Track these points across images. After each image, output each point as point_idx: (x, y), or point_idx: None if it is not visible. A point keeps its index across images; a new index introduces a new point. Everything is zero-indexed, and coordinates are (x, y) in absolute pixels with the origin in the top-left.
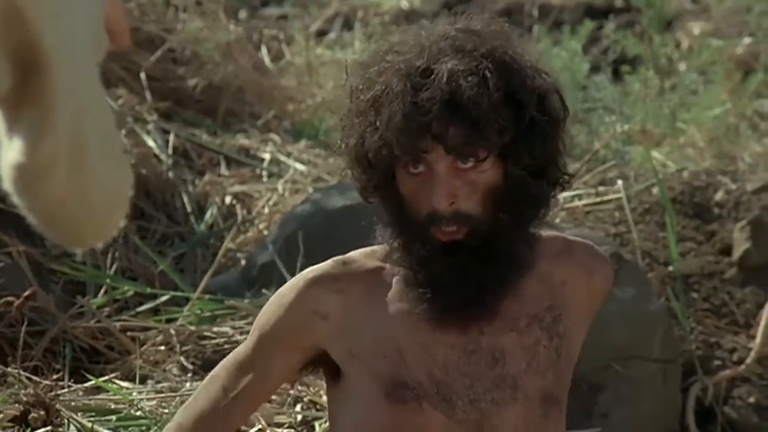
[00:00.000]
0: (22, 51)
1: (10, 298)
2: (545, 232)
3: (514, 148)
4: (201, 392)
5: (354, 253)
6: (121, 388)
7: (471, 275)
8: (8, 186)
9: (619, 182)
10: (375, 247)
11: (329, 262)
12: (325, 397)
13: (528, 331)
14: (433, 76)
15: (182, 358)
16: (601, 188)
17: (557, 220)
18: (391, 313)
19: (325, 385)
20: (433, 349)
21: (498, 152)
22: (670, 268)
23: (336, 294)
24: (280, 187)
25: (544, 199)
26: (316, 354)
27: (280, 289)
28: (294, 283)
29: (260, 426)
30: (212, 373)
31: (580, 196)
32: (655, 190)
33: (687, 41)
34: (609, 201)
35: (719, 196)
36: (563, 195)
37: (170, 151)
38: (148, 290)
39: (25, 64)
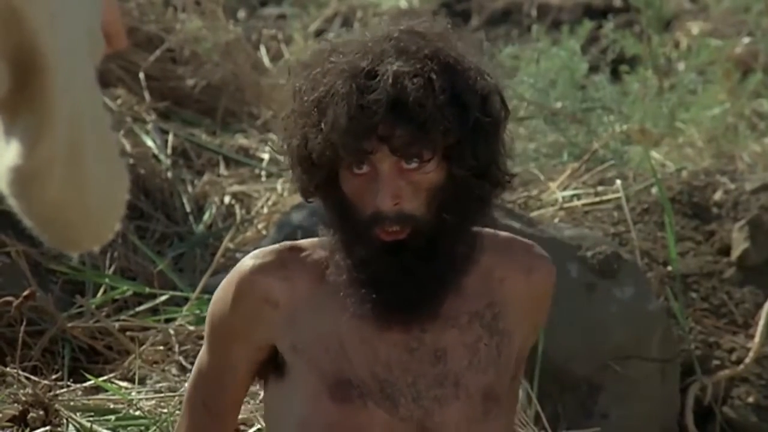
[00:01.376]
0: (20, 53)
1: (8, 298)
2: (487, 229)
3: (458, 149)
4: (184, 419)
5: (303, 242)
6: (120, 387)
7: (413, 275)
8: (5, 188)
9: (618, 182)
10: (324, 239)
11: (276, 246)
12: None
13: (469, 328)
14: (378, 78)
15: (181, 358)
16: (599, 188)
17: (556, 220)
18: (335, 309)
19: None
20: (375, 347)
21: (442, 153)
22: (669, 268)
23: (283, 281)
24: (279, 187)
25: (486, 199)
26: (267, 354)
27: (225, 281)
28: (240, 272)
29: (259, 426)
30: (186, 397)
31: (578, 196)
32: (653, 190)
33: (686, 41)
34: (608, 201)
35: (718, 195)
36: (562, 194)
37: (169, 151)
38: (147, 290)
39: (22, 67)
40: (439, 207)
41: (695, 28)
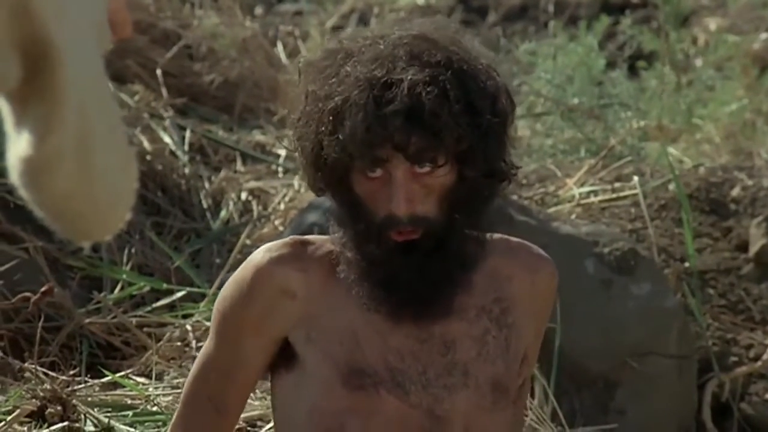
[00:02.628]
0: (30, 44)
1: (26, 294)
2: (499, 235)
3: (470, 152)
4: (185, 417)
5: (312, 237)
6: (138, 383)
7: (425, 274)
8: (16, 179)
9: (635, 178)
10: (332, 236)
11: (287, 240)
12: None
13: (476, 321)
14: (394, 88)
15: (198, 354)
16: (617, 184)
17: (573, 216)
18: (348, 301)
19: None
20: (388, 337)
21: (454, 156)
22: (687, 264)
23: (300, 273)
24: (295, 183)
25: (494, 195)
26: (278, 347)
27: (237, 274)
28: (255, 263)
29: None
30: (187, 393)
31: (596, 192)
32: (671, 186)
33: (703, 37)
34: (625, 197)
35: (736, 192)
36: (579, 191)
37: (186, 147)
38: (165, 286)
39: (32, 58)
40: (450, 207)
41: (713, 23)
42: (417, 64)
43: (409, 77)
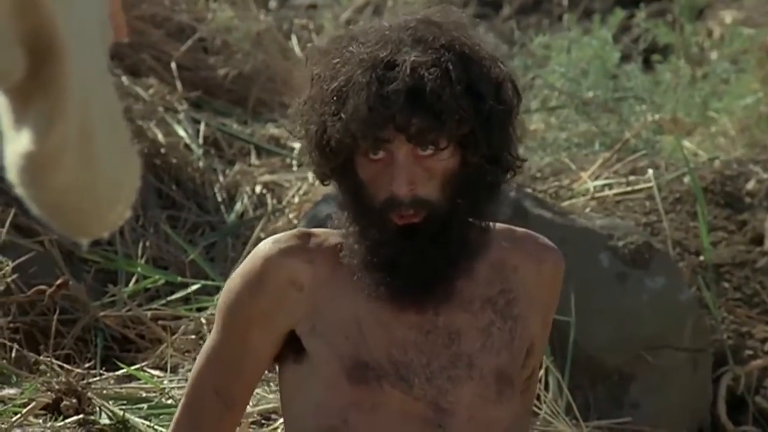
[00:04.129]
0: (35, 38)
1: (42, 287)
2: (504, 225)
3: (473, 137)
4: (190, 409)
5: (316, 230)
6: (153, 376)
7: (427, 258)
8: (14, 176)
9: (650, 171)
10: (336, 228)
11: (293, 232)
12: None
13: (481, 313)
14: (397, 69)
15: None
16: (631, 177)
17: (587, 210)
18: (352, 292)
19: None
20: (392, 329)
21: (457, 140)
22: (701, 258)
23: (307, 264)
24: (310, 176)
25: (498, 184)
26: (285, 339)
27: (245, 265)
28: (264, 254)
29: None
30: (191, 386)
31: (610, 186)
32: (686, 180)
33: (718, 30)
34: (640, 190)
35: (751, 185)
36: (594, 184)
37: (201, 140)
38: (179, 279)
39: (37, 52)
40: (453, 192)
41: (728, 16)
42: (421, 46)
43: (412, 58)
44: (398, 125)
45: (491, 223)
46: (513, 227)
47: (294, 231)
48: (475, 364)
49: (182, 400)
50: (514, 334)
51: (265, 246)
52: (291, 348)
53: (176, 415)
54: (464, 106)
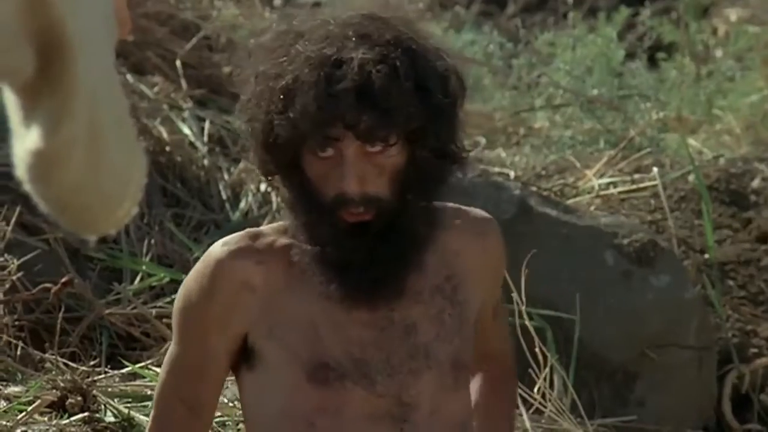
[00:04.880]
0: (44, 36)
1: (47, 285)
2: (435, 203)
3: (421, 132)
4: (159, 421)
5: (264, 228)
6: (158, 374)
7: (378, 255)
8: (22, 173)
9: (655, 169)
10: (284, 223)
11: (242, 233)
12: None
13: (432, 301)
14: (344, 66)
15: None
16: (636, 176)
17: (592, 208)
18: (305, 292)
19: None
20: (347, 328)
21: (405, 136)
22: (706, 256)
23: (259, 266)
24: None
25: (446, 177)
26: (240, 344)
27: (196, 270)
28: (215, 258)
29: None
30: (158, 397)
31: (615, 184)
32: (691, 178)
33: (723, 28)
34: (644, 188)
35: (756, 183)
36: (598, 182)
37: (205, 138)
38: (184, 277)
39: (45, 50)
40: (402, 188)
41: (733, 14)
42: (367, 42)
43: (359, 56)
44: (347, 123)
45: (436, 214)
46: (445, 204)
47: (243, 232)
48: (432, 354)
49: (151, 413)
50: (462, 319)
51: (216, 249)
52: (243, 355)
53: (147, 428)
54: (413, 102)
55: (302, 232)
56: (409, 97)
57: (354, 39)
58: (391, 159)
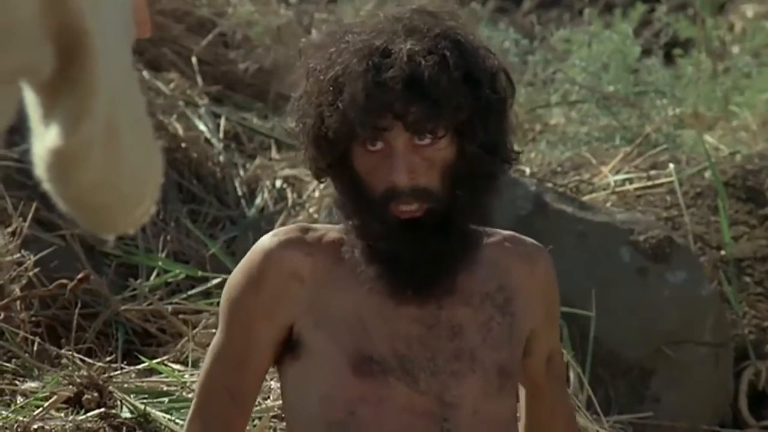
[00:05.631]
0: (64, 34)
1: (63, 281)
2: (489, 228)
3: (470, 126)
4: (202, 411)
5: (315, 225)
6: (174, 370)
7: (429, 251)
8: (41, 172)
9: (671, 166)
10: (335, 224)
11: (293, 226)
12: None
13: (481, 307)
14: (393, 56)
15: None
16: (652, 172)
17: (608, 204)
18: (353, 287)
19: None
20: (395, 323)
21: (454, 130)
22: (723, 252)
23: (307, 257)
24: None
25: (495, 175)
26: (286, 334)
27: (245, 261)
28: (264, 248)
29: None
30: (201, 387)
31: (631, 180)
32: (707, 174)
33: (740, 24)
34: (661, 185)
35: None
36: (614, 178)
37: (221, 134)
38: (200, 273)
39: (65, 48)
40: (452, 183)
41: (750, 10)
42: (416, 35)
43: (408, 46)
44: (396, 113)
45: (487, 215)
46: (499, 230)
47: (293, 225)
48: (477, 359)
49: (194, 401)
50: (512, 330)
51: (265, 240)
52: (287, 344)
53: (189, 416)
54: (462, 93)
55: (353, 229)
56: (458, 88)
57: (403, 32)
58: (440, 152)
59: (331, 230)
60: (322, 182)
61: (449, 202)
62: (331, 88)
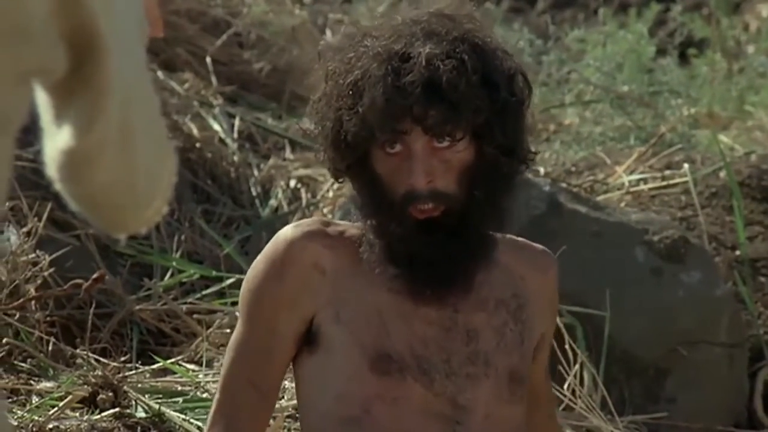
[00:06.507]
0: (78, 35)
1: (78, 281)
2: (505, 235)
3: (488, 128)
4: (226, 404)
5: (336, 221)
6: (188, 370)
7: (447, 252)
8: (54, 172)
9: (686, 166)
10: (355, 222)
11: (314, 218)
12: None
13: (496, 313)
14: (412, 60)
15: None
16: (667, 172)
17: (622, 204)
18: (374, 283)
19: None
20: (413, 323)
21: (472, 132)
22: (738, 253)
23: (329, 249)
24: None
25: (513, 176)
26: (307, 326)
27: (266, 251)
28: (287, 238)
29: None
30: (225, 380)
31: (646, 180)
32: (722, 174)
33: (755, 24)
34: (675, 185)
35: None
36: (629, 178)
37: (235, 134)
38: (214, 273)
39: (78, 48)
40: (470, 184)
41: (765, 10)
42: (434, 38)
43: (426, 50)
44: (415, 116)
45: (504, 216)
46: (513, 236)
47: (314, 218)
48: (491, 363)
49: (216, 396)
50: (523, 336)
51: (287, 231)
52: (305, 338)
53: (212, 411)
54: (480, 96)
55: (372, 229)
56: (476, 91)
57: (421, 35)
58: (458, 155)
59: (350, 227)
60: (340, 182)
61: (466, 204)
62: (350, 92)
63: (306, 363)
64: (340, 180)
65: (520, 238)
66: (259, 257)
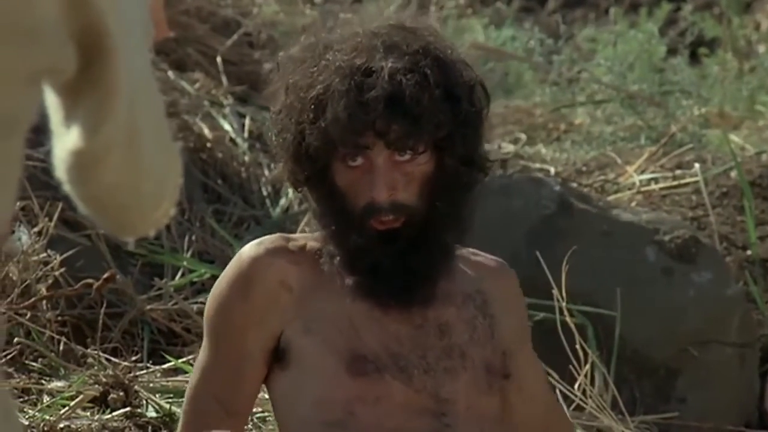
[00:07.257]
0: (86, 35)
1: (89, 280)
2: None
3: (449, 140)
4: (192, 424)
5: (293, 234)
6: None
7: (408, 262)
8: (62, 173)
9: (697, 165)
10: (312, 233)
11: (275, 236)
12: None
13: (465, 306)
14: (374, 75)
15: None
16: (678, 171)
17: (633, 204)
18: (339, 293)
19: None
20: (384, 323)
21: (433, 144)
22: (749, 252)
23: (294, 265)
24: None
25: (473, 185)
26: (275, 343)
27: (229, 270)
28: (251, 256)
29: None
30: (190, 400)
31: (656, 180)
32: (733, 174)
33: (766, 23)
34: (686, 184)
35: None
36: (639, 178)
37: (246, 134)
38: None
39: (86, 49)
40: (431, 196)
41: None
42: (396, 52)
43: (389, 65)
44: (378, 131)
45: (465, 225)
46: (468, 249)
47: (274, 235)
48: (467, 356)
49: (181, 420)
50: (493, 330)
51: (250, 248)
52: (273, 355)
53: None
54: (442, 110)
55: (331, 241)
56: (438, 105)
57: (382, 49)
58: (419, 167)
59: (310, 239)
60: (299, 192)
61: (427, 214)
62: (312, 107)
63: (279, 379)
64: (299, 190)
65: (470, 249)
66: (222, 276)
